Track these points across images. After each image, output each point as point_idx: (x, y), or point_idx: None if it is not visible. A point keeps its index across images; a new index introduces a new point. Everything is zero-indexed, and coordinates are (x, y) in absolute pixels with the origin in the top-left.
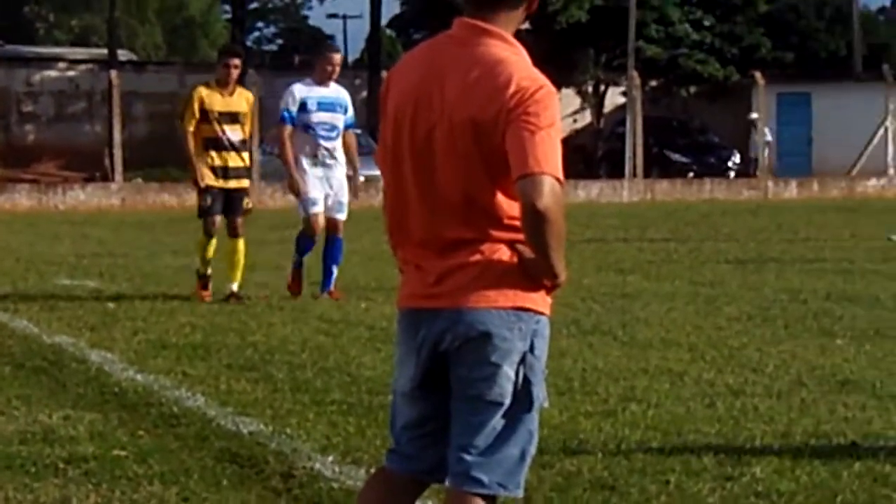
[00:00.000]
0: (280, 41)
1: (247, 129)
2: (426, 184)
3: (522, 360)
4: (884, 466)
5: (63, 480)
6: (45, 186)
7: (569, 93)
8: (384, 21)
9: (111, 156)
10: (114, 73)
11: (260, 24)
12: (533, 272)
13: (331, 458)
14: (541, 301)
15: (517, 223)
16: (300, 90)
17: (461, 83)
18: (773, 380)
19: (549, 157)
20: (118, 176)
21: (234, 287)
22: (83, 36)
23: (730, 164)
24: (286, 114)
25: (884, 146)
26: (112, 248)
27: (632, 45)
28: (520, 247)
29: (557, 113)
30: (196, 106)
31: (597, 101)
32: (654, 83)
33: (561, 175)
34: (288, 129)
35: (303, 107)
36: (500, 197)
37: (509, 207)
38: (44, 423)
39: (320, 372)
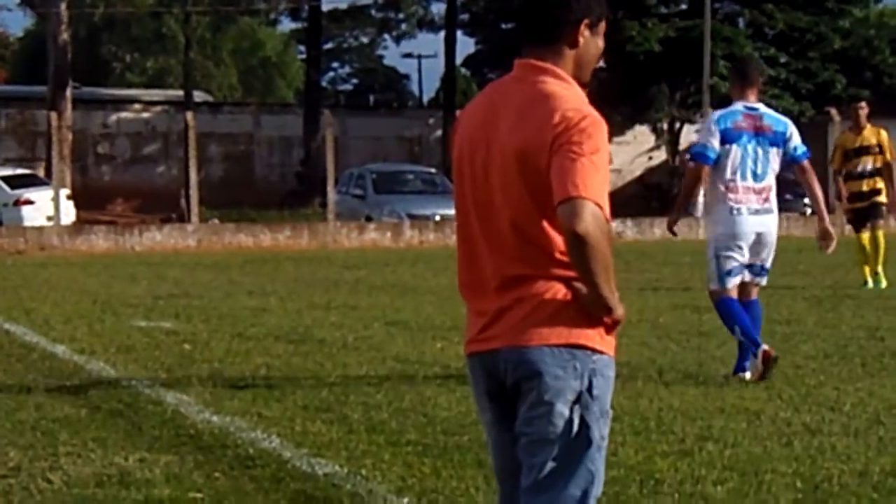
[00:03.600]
0: (355, 81)
1: None
2: (487, 222)
3: (578, 399)
4: None
5: None
6: (122, 228)
7: (644, 130)
8: (458, 60)
9: (187, 197)
10: (189, 115)
11: (335, 64)
12: (588, 307)
13: (406, 500)
14: (598, 339)
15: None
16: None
17: (513, 117)
18: (850, 418)
19: (589, 182)
20: (194, 217)
21: None
22: (158, 77)
23: (805, 200)
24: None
25: None
26: (188, 289)
27: (706, 82)
28: (576, 283)
29: (604, 143)
30: None
31: (671, 138)
32: None
33: (604, 202)
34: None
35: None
36: (549, 230)
37: (560, 242)
38: (120, 465)
39: (395, 412)
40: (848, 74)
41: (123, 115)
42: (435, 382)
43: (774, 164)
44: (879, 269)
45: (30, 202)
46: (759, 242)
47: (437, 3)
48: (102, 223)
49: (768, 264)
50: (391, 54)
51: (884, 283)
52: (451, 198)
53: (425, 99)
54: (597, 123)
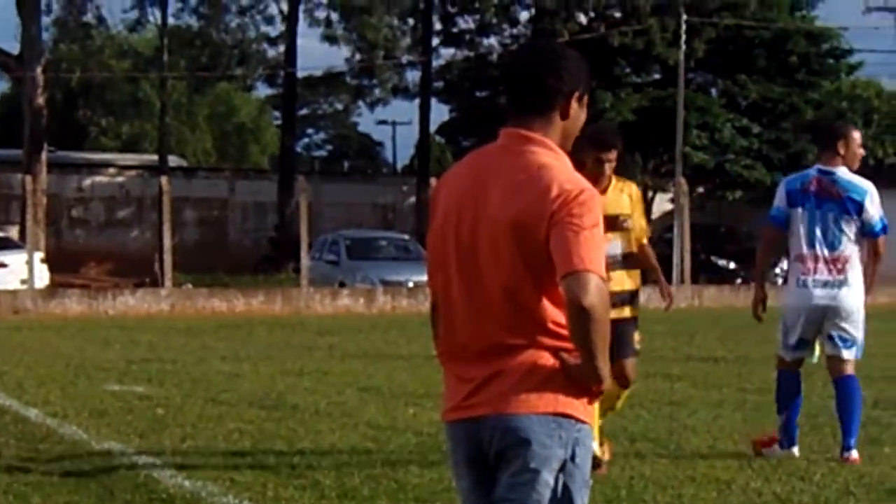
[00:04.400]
0: (329, 147)
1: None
2: (472, 289)
3: (562, 468)
4: None
5: None
6: (95, 291)
7: None
8: (433, 128)
9: (161, 261)
10: (164, 179)
11: (310, 131)
12: (578, 377)
13: None
14: (582, 409)
15: (562, 330)
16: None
17: (505, 187)
18: (820, 488)
19: (593, 256)
20: (168, 281)
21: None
22: (133, 142)
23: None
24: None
25: None
26: (161, 353)
27: (679, 151)
28: (563, 354)
29: (600, 216)
30: None
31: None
32: (700, 189)
33: (605, 275)
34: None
35: None
36: (544, 301)
37: (553, 312)
38: None
39: (367, 478)
40: None
41: (98, 178)
42: (407, 449)
43: (849, 232)
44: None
45: (4, 265)
46: (828, 316)
47: (412, 70)
48: (76, 287)
49: (849, 335)
50: (366, 121)
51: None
52: (424, 264)
53: (399, 166)
54: (594, 197)
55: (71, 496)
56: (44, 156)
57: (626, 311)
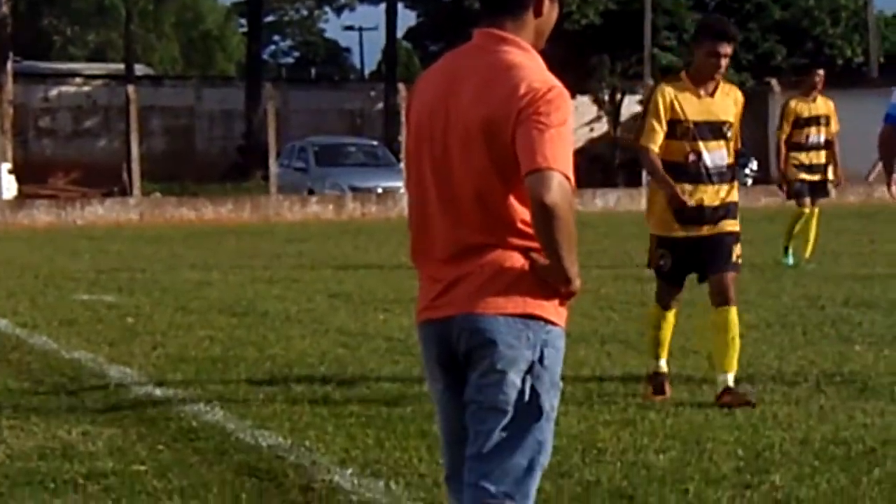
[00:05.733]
0: (296, 54)
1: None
2: (444, 190)
3: (530, 370)
4: None
5: (82, 496)
6: (64, 202)
7: (585, 101)
8: (400, 33)
9: (129, 171)
10: (131, 88)
11: (276, 38)
12: (546, 277)
13: (350, 471)
14: (553, 310)
15: (531, 229)
16: None
17: (476, 87)
18: (791, 387)
19: (558, 154)
20: (136, 191)
21: (730, 379)
22: (100, 51)
23: (747, 171)
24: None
25: None
26: (130, 262)
27: (648, 52)
28: (534, 254)
29: (569, 114)
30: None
31: (613, 109)
32: None
33: (570, 174)
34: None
35: None
36: (512, 200)
37: (523, 212)
38: (63, 438)
39: (338, 384)
40: (788, 45)
41: (64, 88)
42: (377, 354)
43: None
44: (791, 244)
45: None
46: None
47: None
48: (44, 197)
49: None
50: (332, 27)
51: (791, 261)
52: (393, 170)
53: (367, 72)
54: (563, 95)
55: (41, 405)
56: (9, 66)
57: (727, 225)
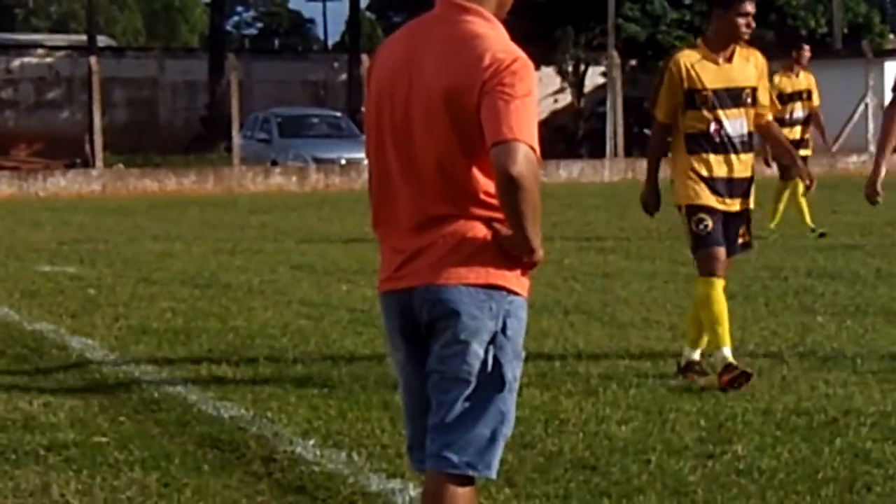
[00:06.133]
0: (260, 25)
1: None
2: (405, 160)
3: (493, 340)
4: (864, 443)
5: (44, 467)
6: (26, 173)
7: (549, 72)
8: (363, 4)
9: (91, 142)
10: (93, 60)
11: (239, 8)
12: (509, 247)
13: (312, 442)
14: (515, 281)
15: (494, 200)
16: None
17: (439, 57)
18: (754, 357)
19: (523, 125)
20: (99, 162)
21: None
22: (62, 22)
23: None
24: None
25: (864, 123)
26: (93, 234)
27: (612, 23)
28: (496, 224)
29: (534, 85)
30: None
31: (577, 80)
32: (633, 62)
33: (535, 144)
34: None
35: None
36: (475, 171)
37: (486, 183)
38: (24, 410)
39: (301, 355)
40: None
41: (27, 59)
42: (340, 325)
43: None
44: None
45: None
46: None
47: None
48: (6, 169)
49: None
50: None
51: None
52: (357, 141)
53: (330, 43)
54: (527, 66)
55: (2, 376)
56: None
57: (737, 204)
